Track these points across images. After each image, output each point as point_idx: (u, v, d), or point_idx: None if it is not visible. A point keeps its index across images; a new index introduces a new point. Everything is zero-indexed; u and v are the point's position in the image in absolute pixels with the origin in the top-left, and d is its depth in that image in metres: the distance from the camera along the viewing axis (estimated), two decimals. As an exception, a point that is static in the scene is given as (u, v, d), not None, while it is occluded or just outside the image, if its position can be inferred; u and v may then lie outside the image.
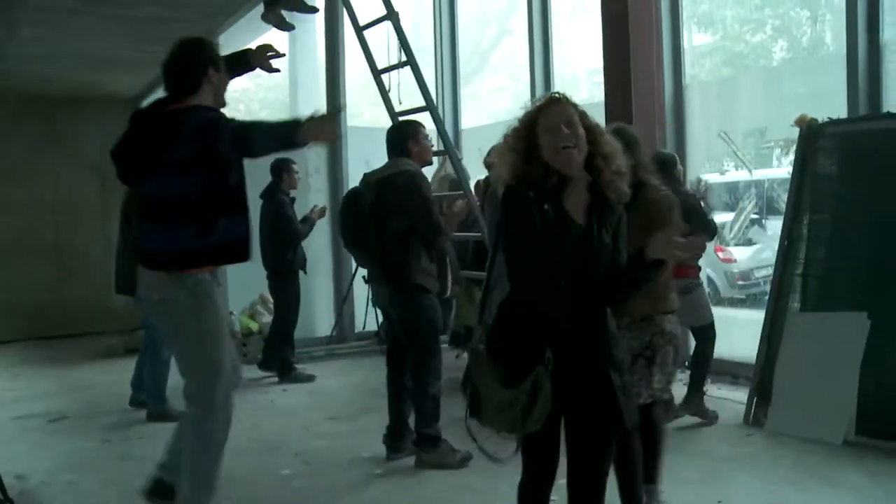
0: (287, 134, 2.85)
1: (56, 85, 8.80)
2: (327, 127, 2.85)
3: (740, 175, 6.15)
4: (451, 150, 5.66)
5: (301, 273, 6.69)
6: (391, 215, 4.14)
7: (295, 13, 5.80)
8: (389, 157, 4.33)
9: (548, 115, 2.36)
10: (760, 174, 6.18)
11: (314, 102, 8.84)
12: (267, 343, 6.85)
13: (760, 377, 4.78)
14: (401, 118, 5.64)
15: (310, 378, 6.60)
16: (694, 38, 10.27)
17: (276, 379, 6.60)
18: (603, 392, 2.36)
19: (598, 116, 6.02)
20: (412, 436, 4.32)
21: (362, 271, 4.57)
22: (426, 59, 8.99)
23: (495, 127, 8.34)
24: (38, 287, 8.97)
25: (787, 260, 4.83)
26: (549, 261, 2.30)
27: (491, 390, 2.37)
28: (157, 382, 5.53)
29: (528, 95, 7.55)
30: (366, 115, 11.48)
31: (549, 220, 2.28)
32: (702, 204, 4.85)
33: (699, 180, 5.17)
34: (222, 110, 3.16)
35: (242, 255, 3.14)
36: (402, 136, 4.32)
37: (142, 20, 6.25)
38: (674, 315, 3.25)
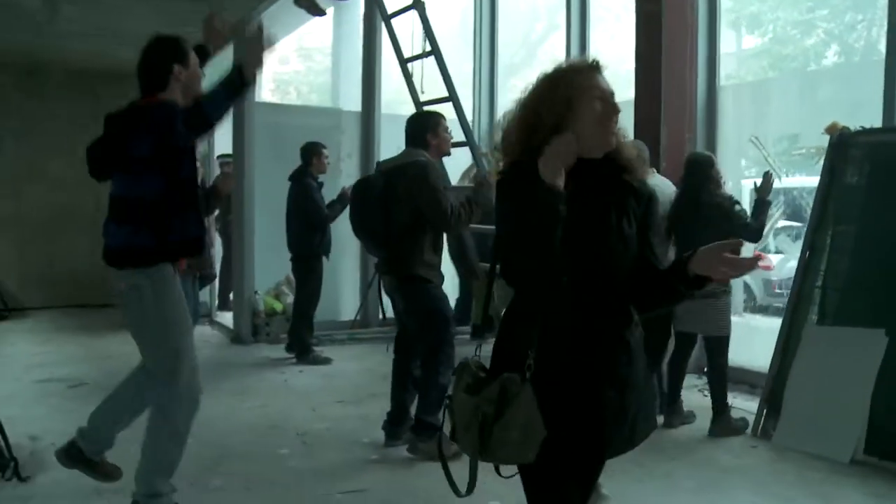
0: (229, 79, 2.96)
1: (98, 61, 9.00)
2: (253, 49, 2.94)
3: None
4: (471, 141, 5.64)
5: (325, 258, 6.73)
6: (399, 204, 4.17)
7: (328, -1, 5.82)
8: (406, 147, 4.34)
9: (597, 81, 1.98)
10: (794, 181, 6.02)
11: (354, 86, 8.90)
12: (292, 326, 6.93)
13: (772, 389, 4.67)
14: (425, 108, 5.66)
15: (326, 360, 6.66)
16: (744, 41, 10.03)
17: (294, 360, 6.68)
18: (589, 412, 1.94)
19: (629, 116, 6.00)
20: (411, 423, 4.34)
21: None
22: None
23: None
24: (76, 258, 9.17)
25: (807, 271, 4.71)
26: (548, 255, 1.86)
27: (459, 401, 2.01)
28: None
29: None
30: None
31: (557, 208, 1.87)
32: (737, 207, 4.72)
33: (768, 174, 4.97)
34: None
35: (197, 250, 3.29)
36: (422, 127, 4.31)
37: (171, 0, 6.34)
38: None
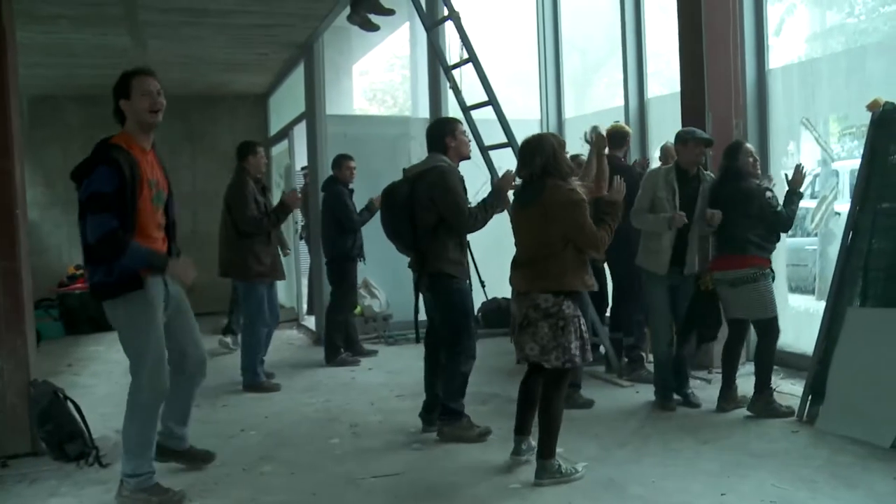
0: (154, 263, 3.62)
1: (188, 87, 9.72)
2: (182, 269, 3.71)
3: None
4: (513, 141, 5.80)
5: (360, 261, 7.01)
6: (421, 208, 4.48)
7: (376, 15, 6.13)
8: (429, 153, 4.63)
9: None
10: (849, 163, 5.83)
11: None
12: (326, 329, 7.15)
13: (815, 373, 4.60)
14: (470, 111, 5.89)
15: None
16: (827, 18, 9.66)
17: (359, 359, 6.98)
18: None
19: (675, 106, 5.99)
20: None
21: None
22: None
23: (599, 115, 8.36)
24: (176, 269, 9.91)
25: (850, 252, 4.61)
26: None
27: None
28: (250, 356, 6.07)
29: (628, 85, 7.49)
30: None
31: None
32: (768, 195, 4.72)
33: (770, 177, 5.10)
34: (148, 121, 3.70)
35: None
36: (440, 132, 4.61)
37: (242, 27, 6.84)
38: (555, 296, 3.71)
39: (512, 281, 3.93)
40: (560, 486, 3.71)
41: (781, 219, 4.72)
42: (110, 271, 3.57)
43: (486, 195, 4.65)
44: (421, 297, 4.74)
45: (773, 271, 4.82)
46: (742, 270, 4.71)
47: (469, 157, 4.74)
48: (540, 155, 3.77)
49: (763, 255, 4.77)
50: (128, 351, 3.72)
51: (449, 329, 4.56)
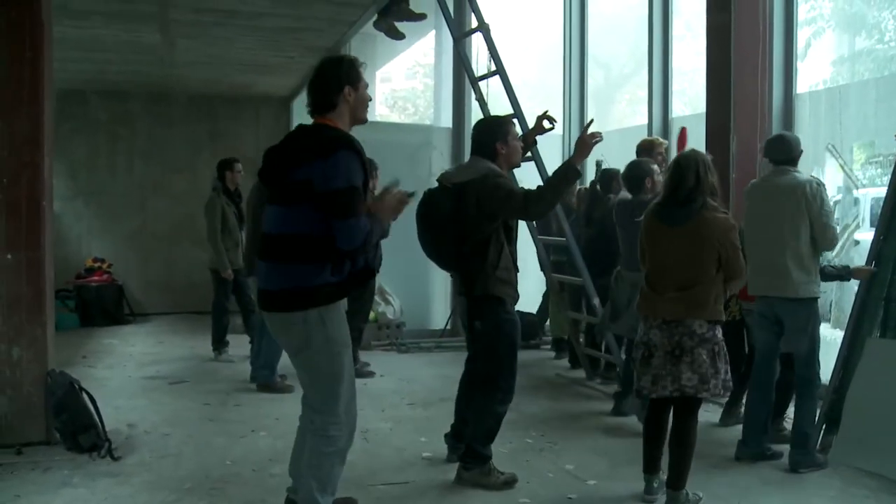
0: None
1: (214, 87, 9.82)
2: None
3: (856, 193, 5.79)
4: (536, 157, 5.78)
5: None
6: (470, 223, 3.84)
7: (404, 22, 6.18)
8: (472, 155, 3.97)
9: None
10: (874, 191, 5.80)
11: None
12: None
13: (831, 402, 4.56)
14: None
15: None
16: (856, 43, 9.64)
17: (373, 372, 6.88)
18: None
19: (698, 126, 5.98)
20: None
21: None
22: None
23: (623, 132, 8.36)
24: (193, 267, 9.95)
25: (872, 282, 4.58)
26: None
27: None
28: (270, 354, 6.03)
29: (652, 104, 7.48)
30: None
31: None
32: None
33: None
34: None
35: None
36: (492, 135, 3.92)
37: (273, 30, 6.91)
38: (709, 322, 3.51)
39: (652, 306, 3.61)
40: (570, 504, 3.70)
41: None
42: (341, 269, 3.04)
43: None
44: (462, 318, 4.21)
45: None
46: None
47: (519, 166, 4.21)
48: (692, 173, 3.54)
49: None
50: (320, 377, 3.17)
51: (490, 362, 3.96)
